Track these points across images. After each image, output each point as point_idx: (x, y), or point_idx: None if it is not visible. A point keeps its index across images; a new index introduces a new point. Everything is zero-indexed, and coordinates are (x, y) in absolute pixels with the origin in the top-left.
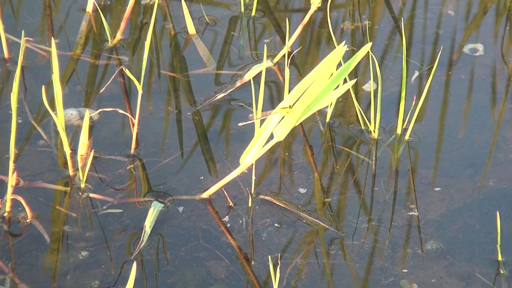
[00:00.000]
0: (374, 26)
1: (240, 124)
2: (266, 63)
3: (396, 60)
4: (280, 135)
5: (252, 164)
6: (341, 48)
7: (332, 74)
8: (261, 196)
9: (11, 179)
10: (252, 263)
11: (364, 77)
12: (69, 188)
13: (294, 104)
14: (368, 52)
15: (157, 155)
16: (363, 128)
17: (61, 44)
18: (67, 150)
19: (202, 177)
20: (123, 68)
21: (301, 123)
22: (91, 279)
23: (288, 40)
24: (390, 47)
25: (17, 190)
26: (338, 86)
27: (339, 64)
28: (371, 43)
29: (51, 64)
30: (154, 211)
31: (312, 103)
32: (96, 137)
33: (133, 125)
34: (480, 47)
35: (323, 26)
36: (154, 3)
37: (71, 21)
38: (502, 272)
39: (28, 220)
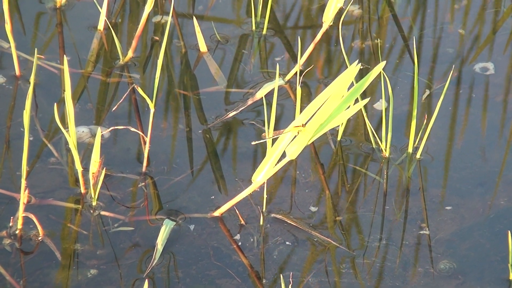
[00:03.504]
0: (384, 45)
1: (253, 143)
2: (278, 81)
3: (406, 78)
4: (293, 154)
5: (264, 182)
6: (355, 68)
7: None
8: (273, 215)
9: (23, 197)
10: (264, 281)
11: (375, 95)
12: (80, 206)
13: (307, 122)
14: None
15: (168, 173)
16: (374, 146)
17: (72, 62)
18: (78, 168)
19: (213, 197)
20: (135, 86)
21: (312, 142)
22: None
23: (300, 58)
24: (400, 65)
25: (28, 207)
26: (349, 105)
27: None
28: (384, 62)
29: (63, 81)
30: (166, 229)
31: (325, 122)
32: (108, 155)
33: (145, 143)
34: (490, 66)
35: (333, 44)
36: (166, 21)
37: (82, 39)
38: None
39: (39, 238)
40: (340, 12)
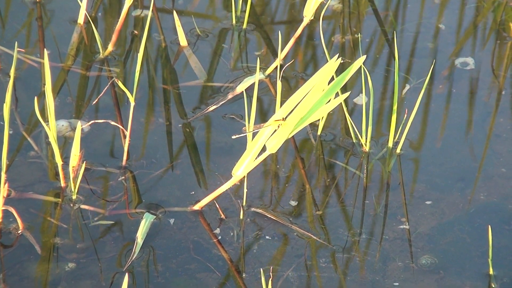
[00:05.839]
0: (364, 39)
1: (233, 137)
2: (258, 76)
3: (386, 73)
4: (273, 148)
5: (244, 176)
6: (335, 62)
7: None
8: (253, 209)
9: (3, 190)
10: (244, 275)
11: (355, 90)
12: (60, 200)
13: (287, 116)
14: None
15: (148, 167)
16: (354, 141)
17: (52, 55)
18: (58, 161)
19: (193, 192)
20: (116, 80)
21: (292, 136)
22: None
23: (280, 52)
24: (381, 60)
25: (8, 201)
26: (330, 99)
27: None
28: (364, 56)
29: (43, 75)
30: (146, 222)
31: (305, 115)
32: (88, 149)
33: (125, 137)
34: (471, 61)
35: (313, 38)
36: (146, 15)
37: (62, 33)
38: (493, 286)
39: (19, 231)
40: (320, 6)
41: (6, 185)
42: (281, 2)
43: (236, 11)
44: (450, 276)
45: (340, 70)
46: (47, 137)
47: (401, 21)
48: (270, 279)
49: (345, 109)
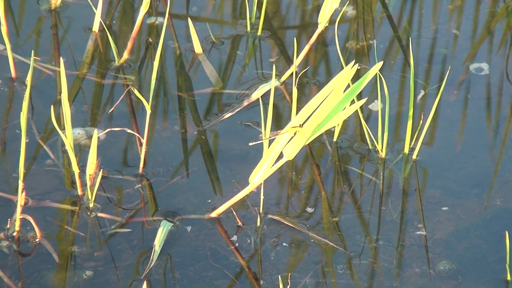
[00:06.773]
0: (380, 45)
1: (250, 143)
2: (274, 82)
3: (401, 79)
4: (290, 154)
5: (261, 183)
6: (352, 69)
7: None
8: (269, 216)
9: (20, 199)
10: (261, 282)
11: (370, 96)
12: (77, 208)
13: (304, 123)
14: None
15: (164, 174)
16: (370, 147)
17: (67, 63)
18: (75, 169)
19: (210, 200)
20: (132, 88)
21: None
22: None
23: (296, 59)
24: (395, 66)
25: (25, 209)
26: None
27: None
28: (381, 62)
29: (58, 83)
30: (163, 230)
31: (322, 122)
32: (104, 157)
33: (141, 144)
34: (485, 66)
35: (328, 45)
36: (160, 22)
37: (77, 40)
38: None
39: (37, 240)
40: (335, 13)
41: (24, 193)
42: (295, 8)
43: (250, 18)
44: (467, 282)
45: (355, 76)
46: (63, 145)
47: (415, 27)
48: (289, 286)
49: (360, 115)
